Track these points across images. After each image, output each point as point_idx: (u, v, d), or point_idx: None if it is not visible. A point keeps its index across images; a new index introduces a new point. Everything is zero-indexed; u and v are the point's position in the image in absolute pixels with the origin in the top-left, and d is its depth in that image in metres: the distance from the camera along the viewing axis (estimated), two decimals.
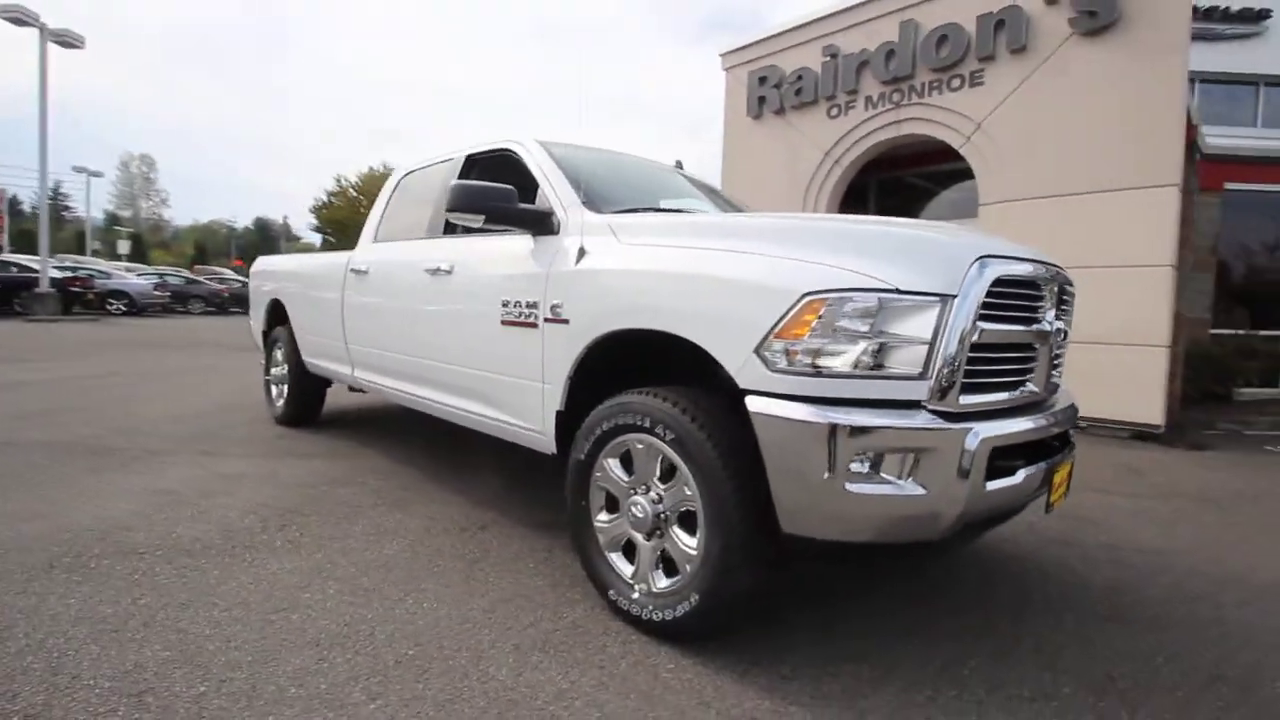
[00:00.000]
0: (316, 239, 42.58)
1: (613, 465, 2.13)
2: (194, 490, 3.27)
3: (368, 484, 3.49)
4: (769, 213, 2.67)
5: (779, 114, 8.17)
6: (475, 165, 3.23)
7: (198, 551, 2.53)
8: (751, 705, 1.70)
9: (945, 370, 1.65)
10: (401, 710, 1.64)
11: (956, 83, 6.61)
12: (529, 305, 2.43)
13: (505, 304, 2.55)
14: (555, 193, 2.55)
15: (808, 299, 1.65)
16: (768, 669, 1.87)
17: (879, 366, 1.65)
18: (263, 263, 5.61)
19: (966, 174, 6.87)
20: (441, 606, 2.17)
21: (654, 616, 1.97)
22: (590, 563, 2.21)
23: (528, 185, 2.69)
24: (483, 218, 2.46)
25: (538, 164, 2.73)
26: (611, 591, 2.11)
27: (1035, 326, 1.94)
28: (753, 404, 1.71)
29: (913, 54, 6.84)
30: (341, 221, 34.78)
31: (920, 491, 1.62)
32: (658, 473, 2.00)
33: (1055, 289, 2.03)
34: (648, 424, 1.96)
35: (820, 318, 1.65)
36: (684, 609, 1.89)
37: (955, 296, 1.66)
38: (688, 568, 1.91)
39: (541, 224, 2.49)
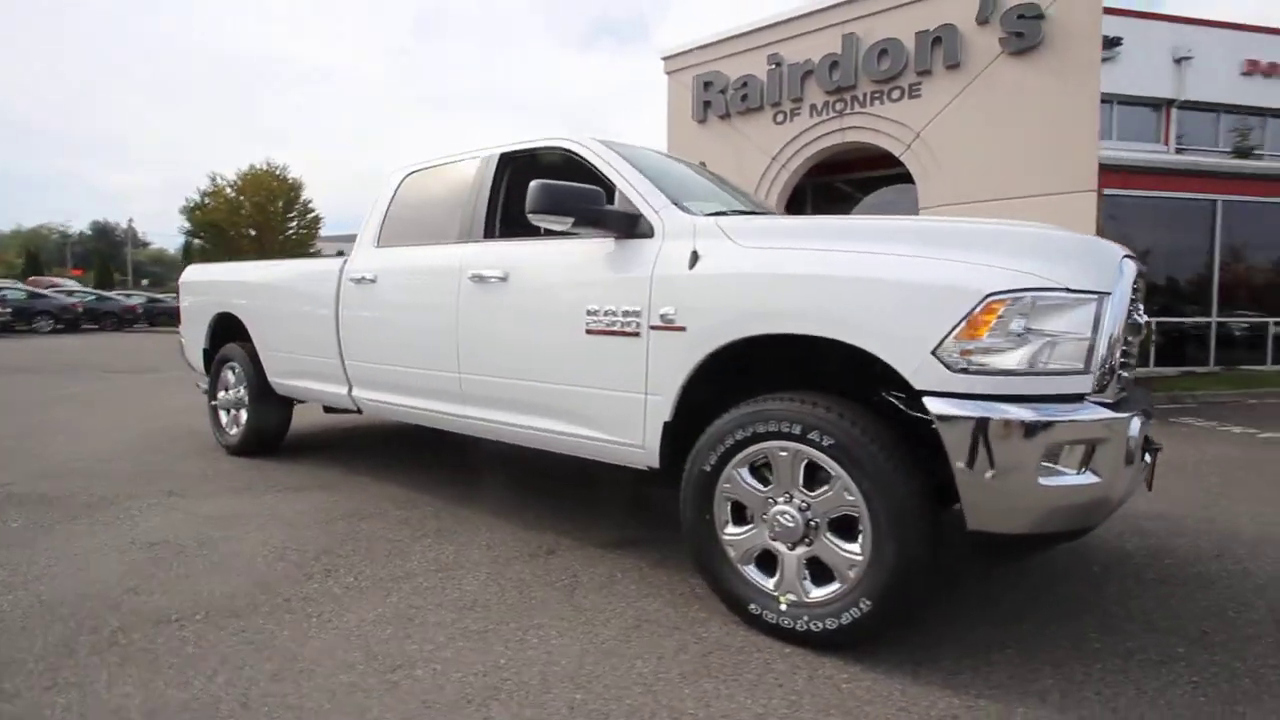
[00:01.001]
0: (170, 243, 38.14)
1: (743, 475, 2.06)
2: (189, 538, 2.81)
3: (390, 514, 3.17)
4: (885, 217, 2.68)
5: (724, 119, 8.35)
6: (510, 165, 3.02)
7: (244, 611, 2.17)
8: (944, 704, 1.70)
9: (1104, 364, 1.74)
10: None
11: (896, 94, 7.07)
12: (627, 313, 2.30)
13: (591, 312, 2.39)
14: (639, 194, 2.42)
15: (989, 299, 1.68)
16: (932, 666, 1.88)
17: (1049, 363, 1.71)
18: (200, 272, 4.95)
19: (905, 178, 7.37)
20: (571, 641, 2.00)
21: (812, 627, 1.92)
22: (720, 579, 2.12)
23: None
24: (570, 220, 2.31)
25: (609, 163, 2.59)
26: (753, 606, 2.04)
27: (1133, 320, 2.10)
28: (934, 405, 1.71)
29: (855, 66, 7.23)
30: (218, 224, 31.42)
31: (1096, 480, 1.70)
32: (801, 480, 1.96)
33: (1142, 285, 2.21)
34: (798, 431, 1.91)
35: (1000, 318, 1.68)
36: (851, 616, 1.86)
37: (1110, 294, 1.76)
38: (851, 573, 1.88)
39: (631, 227, 2.36)
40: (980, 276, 1.72)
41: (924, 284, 1.77)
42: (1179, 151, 13.69)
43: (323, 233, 35.37)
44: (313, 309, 3.71)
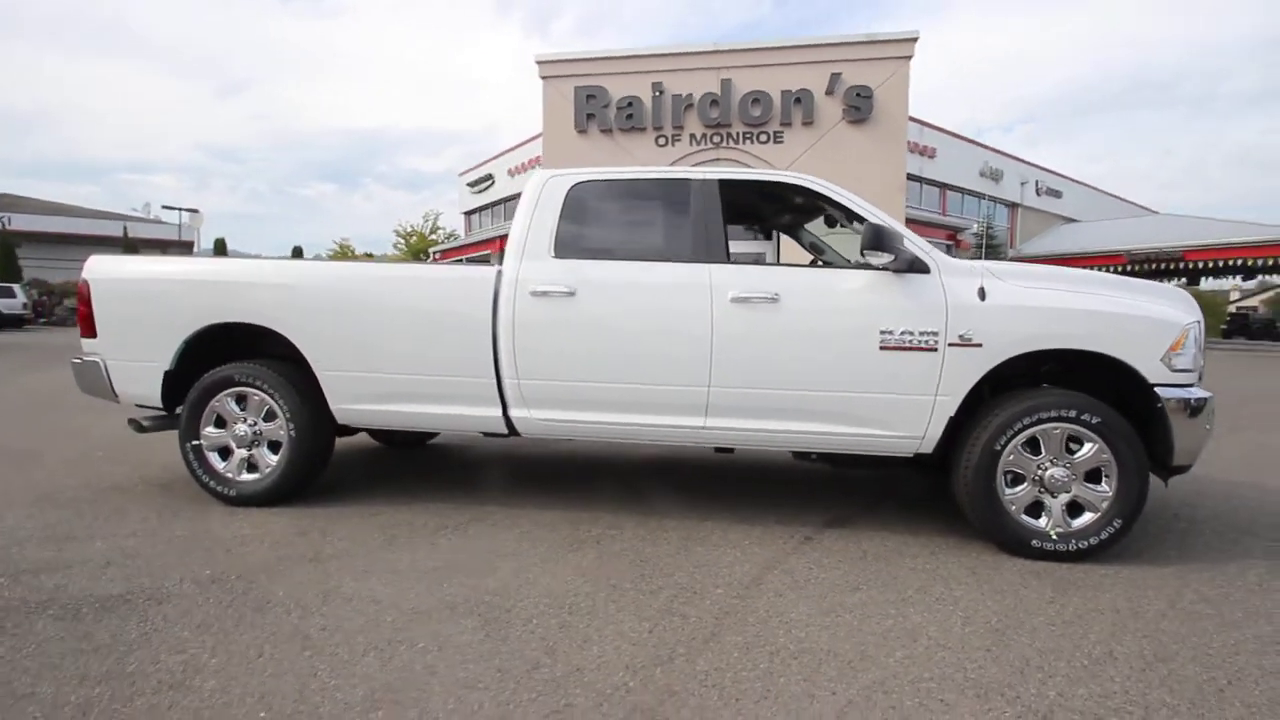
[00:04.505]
0: None
1: (1021, 450, 2.89)
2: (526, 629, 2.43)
3: (629, 529, 3.11)
4: (1086, 271, 3.56)
5: (607, 133, 8.79)
6: (729, 191, 3.26)
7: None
8: (1202, 587, 2.80)
9: (1201, 365, 3.05)
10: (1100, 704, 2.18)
11: (764, 137, 8.52)
12: (924, 333, 2.90)
13: (886, 332, 2.93)
14: (910, 239, 3.03)
15: (1185, 328, 2.83)
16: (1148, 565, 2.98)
17: (1194, 365, 2.94)
18: (155, 267, 3.62)
19: None
20: (908, 617, 2.57)
21: (1080, 545, 2.84)
22: (1005, 529, 2.90)
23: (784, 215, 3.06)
24: (891, 257, 2.83)
25: (862, 206, 3.12)
26: (1035, 542, 2.88)
27: None
28: (1164, 392, 2.80)
29: (732, 107, 8.45)
30: None
31: (1210, 430, 2.99)
32: (1064, 448, 2.88)
33: None
34: (1073, 414, 2.82)
35: (1187, 339, 2.85)
36: (1108, 533, 2.83)
37: (1200, 320, 3.08)
38: (1102, 505, 2.85)
39: (914, 264, 2.97)
40: (1176, 314, 2.87)
41: (1153, 318, 2.85)
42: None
43: None
44: (448, 322, 3.26)
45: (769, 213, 3.99)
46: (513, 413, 3.28)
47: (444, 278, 3.39)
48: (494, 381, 3.25)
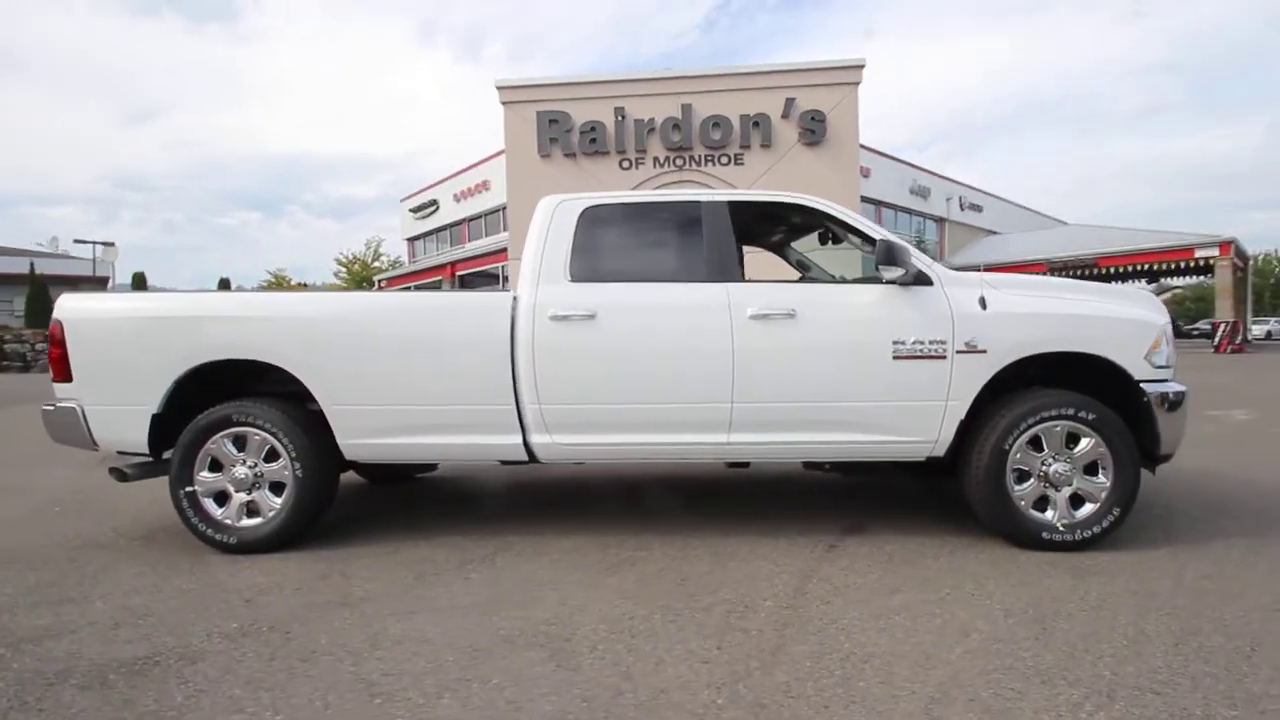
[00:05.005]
0: None
1: (1026, 447, 3.08)
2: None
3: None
4: (1072, 280, 3.79)
5: (570, 157, 8.87)
6: (738, 212, 3.37)
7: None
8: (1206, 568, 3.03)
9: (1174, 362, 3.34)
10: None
11: (725, 159, 8.80)
12: (933, 341, 3.07)
13: (898, 342, 3.07)
14: (915, 254, 3.20)
15: (1160, 329, 3.11)
16: (1172, 547, 3.21)
17: (1169, 361, 3.22)
18: (141, 304, 3.42)
19: None
20: (981, 596, 2.70)
21: (1083, 535, 3.04)
22: (1016, 523, 3.07)
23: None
24: (903, 271, 2.99)
25: (867, 225, 3.28)
26: (1044, 534, 3.06)
27: None
28: (1148, 387, 3.05)
29: (693, 131, 8.70)
30: None
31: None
32: (1063, 445, 3.09)
33: None
34: (1071, 411, 3.03)
35: (1163, 338, 3.12)
36: (1108, 520, 3.04)
37: (1169, 321, 3.38)
38: (1100, 496, 3.06)
39: (921, 278, 3.14)
40: (1152, 316, 3.15)
41: (1135, 320, 3.12)
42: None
43: None
44: (464, 350, 3.22)
45: (768, 232, 4.13)
46: (533, 439, 3.25)
47: (459, 305, 3.36)
48: (513, 408, 3.22)
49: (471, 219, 30.64)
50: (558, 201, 3.43)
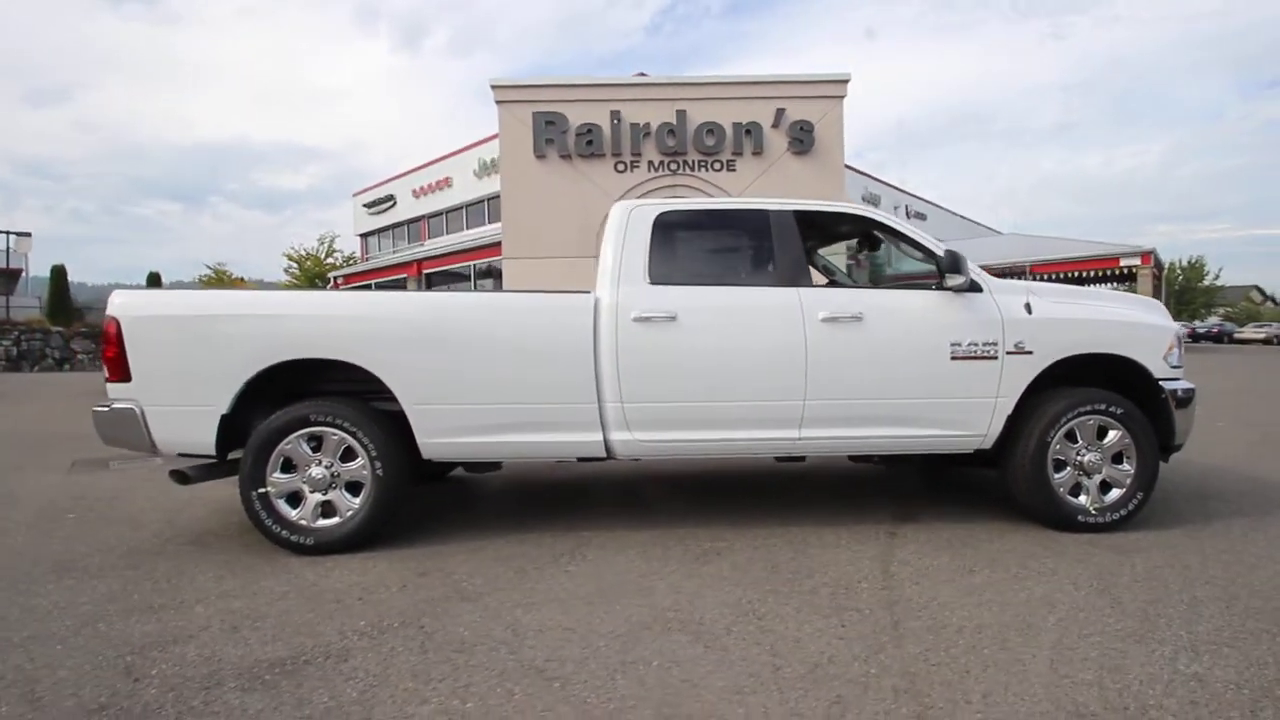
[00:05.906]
0: None
1: (1064, 439, 3.42)
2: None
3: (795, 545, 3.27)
4: (1095, 289, 4.20)
5: (566, 159, 8.90)
6: (801, 221, 3.57)
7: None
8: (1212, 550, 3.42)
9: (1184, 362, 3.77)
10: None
11: (718, 165, 9.02)
12: (986, 343, 3.36)
13: (956, 344, 3.35)
14: (970, 264, 3.49)
15: (1173, 332, 3.51)
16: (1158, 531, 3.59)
17: (1180, 362, 3.63)
18: (208, 302, 3.31)
19: None
20: (1037, 580, 3.00)
21: (1114, 517, 3.40)
22: (1056, 508, 3.40)
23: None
24: (964, 279, 3.27)
25: (921, 235, 3.55)
26: (1080, 516, 3.40)
27: None
28: (1167, 385, 3.45)
29: (687, 137, 8.89)
30: None
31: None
32: (1094, 436, 3.44)
33: None
34: (1103, 406, 3.39)
35: (1178, 340, 3.53)
36: (1135, 503, 3.42)
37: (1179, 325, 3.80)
38: (1126, 481, 3.43)
39: (974, 285, 3.43)
40: (1165, 321, 3.56)
41: (1155, 325, 3.52)
42: None
43: None
44: (546, 350, 3.30)
45: (818, 239, 4.36)
46: (612, 436, 3.35)
47: (541, 306, 3.41)
48: (595, 405, 3.31)
49: (432, 216, 29.92)
50: (632, 207, 3.55)
